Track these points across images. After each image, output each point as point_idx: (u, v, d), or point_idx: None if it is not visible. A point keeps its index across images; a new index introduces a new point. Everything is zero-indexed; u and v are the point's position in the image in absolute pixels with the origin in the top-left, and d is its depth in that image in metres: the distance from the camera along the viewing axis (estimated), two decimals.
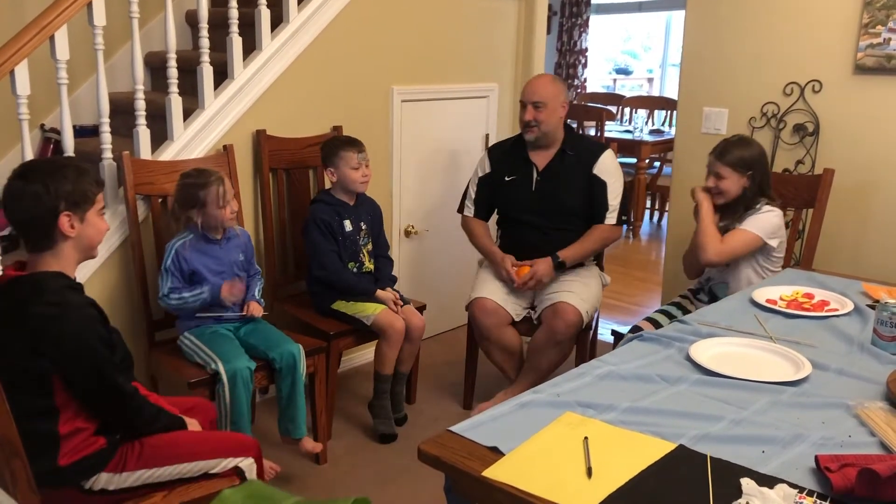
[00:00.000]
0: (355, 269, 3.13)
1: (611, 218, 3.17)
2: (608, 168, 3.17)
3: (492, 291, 3.15)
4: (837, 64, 3.33)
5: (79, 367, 1.81)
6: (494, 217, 3.42)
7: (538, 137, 3.15)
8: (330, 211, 3.09)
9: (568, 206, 3.16)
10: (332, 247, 3.06)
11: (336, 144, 3.09)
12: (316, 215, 3.06)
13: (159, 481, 1.99)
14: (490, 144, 3.90)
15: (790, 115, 3.48)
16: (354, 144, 3.08)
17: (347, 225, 3.11)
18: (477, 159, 3.45)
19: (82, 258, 1.94)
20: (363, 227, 3.18)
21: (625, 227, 3.26)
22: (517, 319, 3.17)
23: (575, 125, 6.49)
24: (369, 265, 3.20)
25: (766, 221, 2.82)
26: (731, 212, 2.89)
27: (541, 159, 3.20)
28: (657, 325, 2.83)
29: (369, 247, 3.20)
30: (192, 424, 2.11)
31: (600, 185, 3.15)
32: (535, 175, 3.19)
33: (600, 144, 3.30)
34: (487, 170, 3.31)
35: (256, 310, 2.79)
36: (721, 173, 2.84)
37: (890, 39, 3.16)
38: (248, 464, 2.08)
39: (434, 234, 4.01)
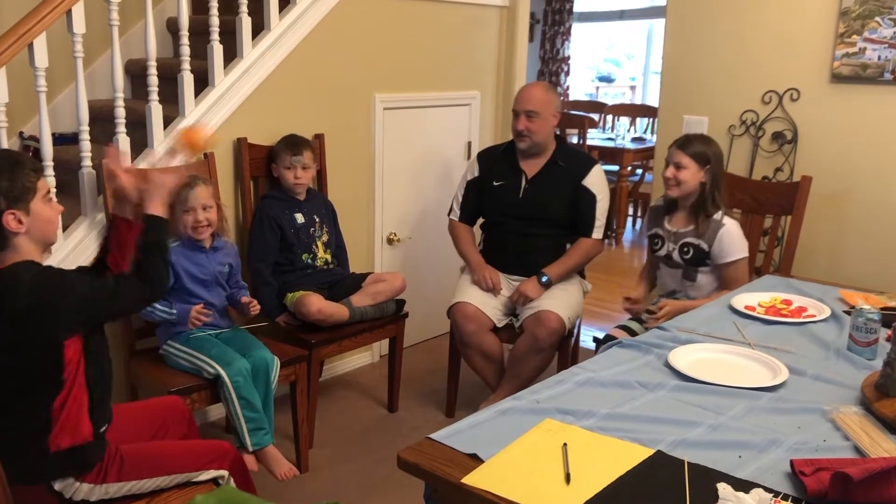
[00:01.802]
0: (309, 261, 3.17)
1: (597, 232, 3.20)
2: (598, 182, 3.20)
3: (473, 297, 3.16)
4: (815, 73, 3.37)
5: (84, 314, 1.83)
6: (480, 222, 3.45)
7: (530, 146, 3.18)
8: (279, 206, 3.12)
9: (553, 215, 3.19)
10: (273, 247, 3.09)
11: (280, 144, 3.16)
12: (264, 210, 3.11)
13: (140, 492, 1.98)
14: (473, 152, 3.93)
15: (769, 123, 3.52)
16: (291, 146, 3.13)
17: (299, 218, 3.15)
18: (460, 166, 3.46)
19: (43, 247, 1.91)
20: (317, 220, 3.21)
21: (606, 240, 3.28)
22: (499, 325, 3.18)
23: (557, 133, 6.52)
24: (324, 255, 3.23)
25: (739, 237, 2.85)
26: (689, 215, 2.89)
27: (531, 167, 3.22)
28: (631, 332, 2.85)
29: (324, 238, 3.24)
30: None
31: (589, 198, 3.17)
32: (523, 182, 3.22)
33: (591, 158, 3.32)
34: (476, 174, 3.33)
35: (255, 306, 2.79)
36: (682, 162, 2.85)
37: (865, 49, 3.21)
38: (224, 478, 2.07)
39: (416, 241, 4.01)
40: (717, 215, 2.84)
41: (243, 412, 2.57)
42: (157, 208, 2.02)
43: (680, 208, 2.93)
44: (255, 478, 2.31)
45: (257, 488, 2.30)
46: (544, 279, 3.13)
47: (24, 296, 1.76)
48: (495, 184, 3.26)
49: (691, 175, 2.85)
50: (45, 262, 1.91)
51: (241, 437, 2.59)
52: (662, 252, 2.96)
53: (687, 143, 2.89)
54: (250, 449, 2.60)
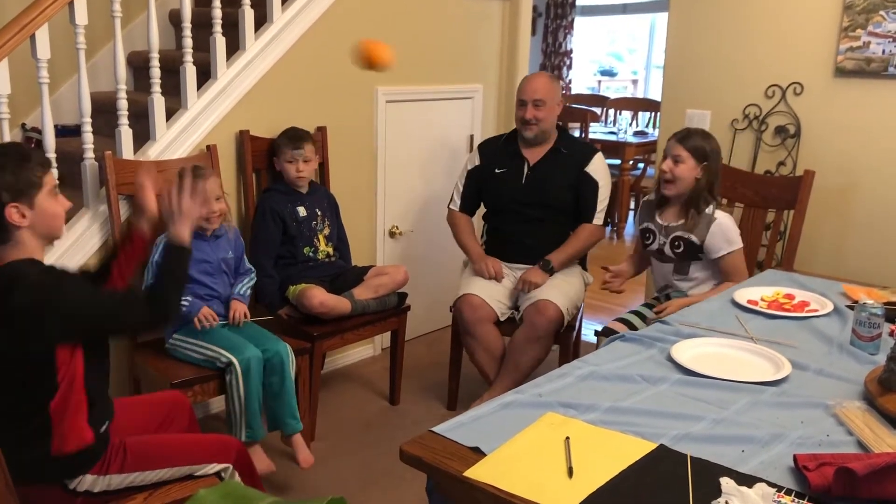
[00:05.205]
0: (311, 254, 3.17)
1: (598, 218, 3.23)
2: (600, 170, 3.24)
3: (479, 289, 3.17)
4: (818, 67, 3.36)
5: (82, 327, 1.80)
6: (481, 213, 3.46)
7: (537, 135, 3.21)
8: (282, 199, 3.13)
9: (556, 201, 3.21)
10: (275, 240, 3.09)
11: (281, 137, 3.16)
12: (266, 203, 3.11)
13: (142, 484, 1.98)
14: (476, 143, 3.92)
15: (772, 118, 3.51)
16: (293, 139, 3.13)
17: (301, 211, 3.16)
18: (462, 159, 3.46)
19: (46, 242, 1.91)
20: (319, 213, 3.21)
21: (608, 228, 3.30)
22: (501, 319, 3.18)
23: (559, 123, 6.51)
24: (326, 248, 3.23)
25: (732, 229, 2.81)
26: (680, 209, 2.85)
27: (533, 155, 3.25)
28: (630, 325, 2.84)
29: (326, 231, 3.24)
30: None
31: (591, 185, 3.21)
32: (525, 169, 3.23)
33: (593, 146, 3.38)
34: (477, 163, 3.35)
35: (238, 308, 2.78)
36: (680, 156, 2.80)
37: (869, 43, 3.20)
38: (227, 471, 2.07)
39: (419, 235, 4.01)
40: (709, 209, 2.81)
41: (247, 406, 2.58)
42: (183, 236, 1.95)
43: (672, 202, 2.89)
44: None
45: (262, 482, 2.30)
46: (549, 266, 3.14)
47: (23, 295, 1.74)
48: (497, 171, 3.28)
49: (688, 170, 2.79)
50: (47, 255, 1.90)
51: (236, 428, 2.59)
52: (654, 246, 2.93)
53: (687, 136, 2.84)
54: (242, 438, 2.60)
